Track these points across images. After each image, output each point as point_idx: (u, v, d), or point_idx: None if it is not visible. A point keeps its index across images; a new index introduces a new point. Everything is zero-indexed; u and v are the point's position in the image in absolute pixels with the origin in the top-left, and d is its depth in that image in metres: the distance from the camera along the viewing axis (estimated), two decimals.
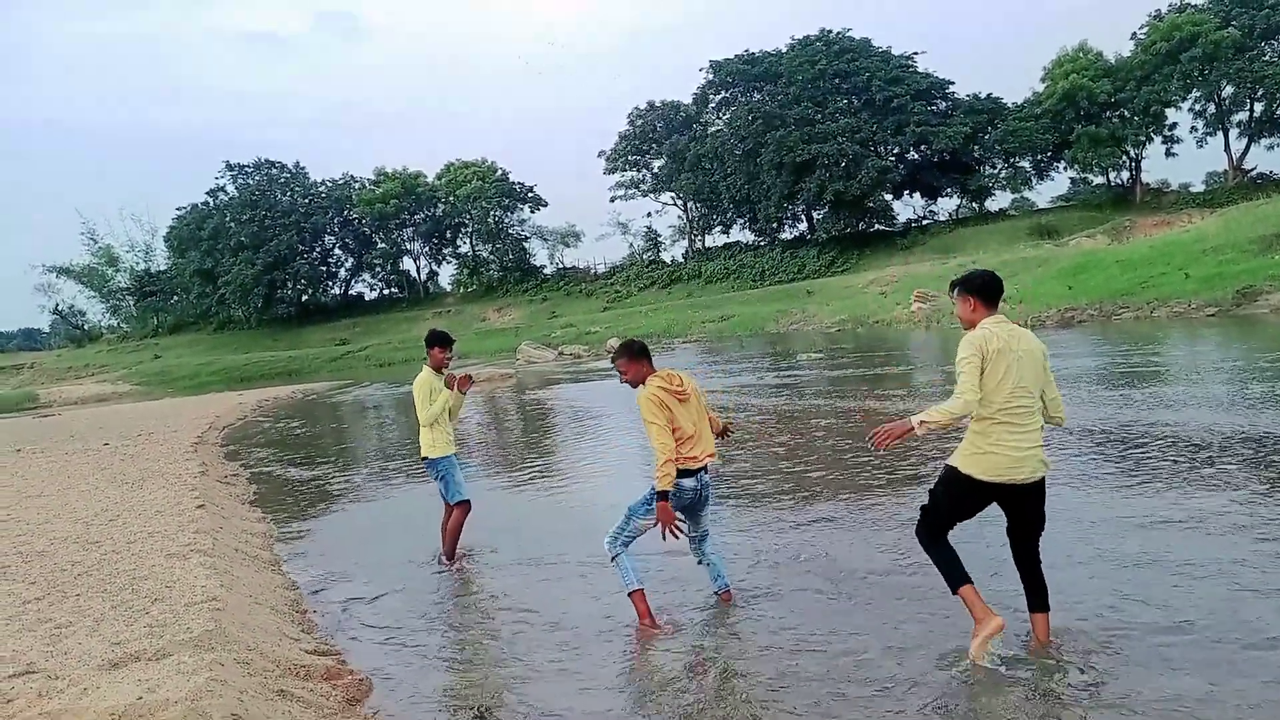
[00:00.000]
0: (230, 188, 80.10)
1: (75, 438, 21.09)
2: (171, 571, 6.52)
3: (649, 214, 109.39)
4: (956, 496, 4.40)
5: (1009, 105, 64.25)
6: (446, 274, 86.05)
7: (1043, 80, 61.99)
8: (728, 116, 71.53)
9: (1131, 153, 60.70)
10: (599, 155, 77.81)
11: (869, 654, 4.58)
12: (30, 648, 4.95)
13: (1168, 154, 60.54)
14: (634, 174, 77.61)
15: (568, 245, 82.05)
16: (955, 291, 4.53)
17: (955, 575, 4.36)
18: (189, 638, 4.82)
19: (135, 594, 5.98)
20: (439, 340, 7.24)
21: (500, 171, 78.50)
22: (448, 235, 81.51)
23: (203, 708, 3.73)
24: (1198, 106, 58.47)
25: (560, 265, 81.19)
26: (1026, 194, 68.14)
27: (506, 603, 6.12)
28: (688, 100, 74.27)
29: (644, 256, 77.36)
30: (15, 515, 9.86)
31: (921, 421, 4.23)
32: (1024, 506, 4.38)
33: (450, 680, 4.92)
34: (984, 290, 4.41)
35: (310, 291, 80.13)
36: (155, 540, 7.73)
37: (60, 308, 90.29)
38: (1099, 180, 63.91)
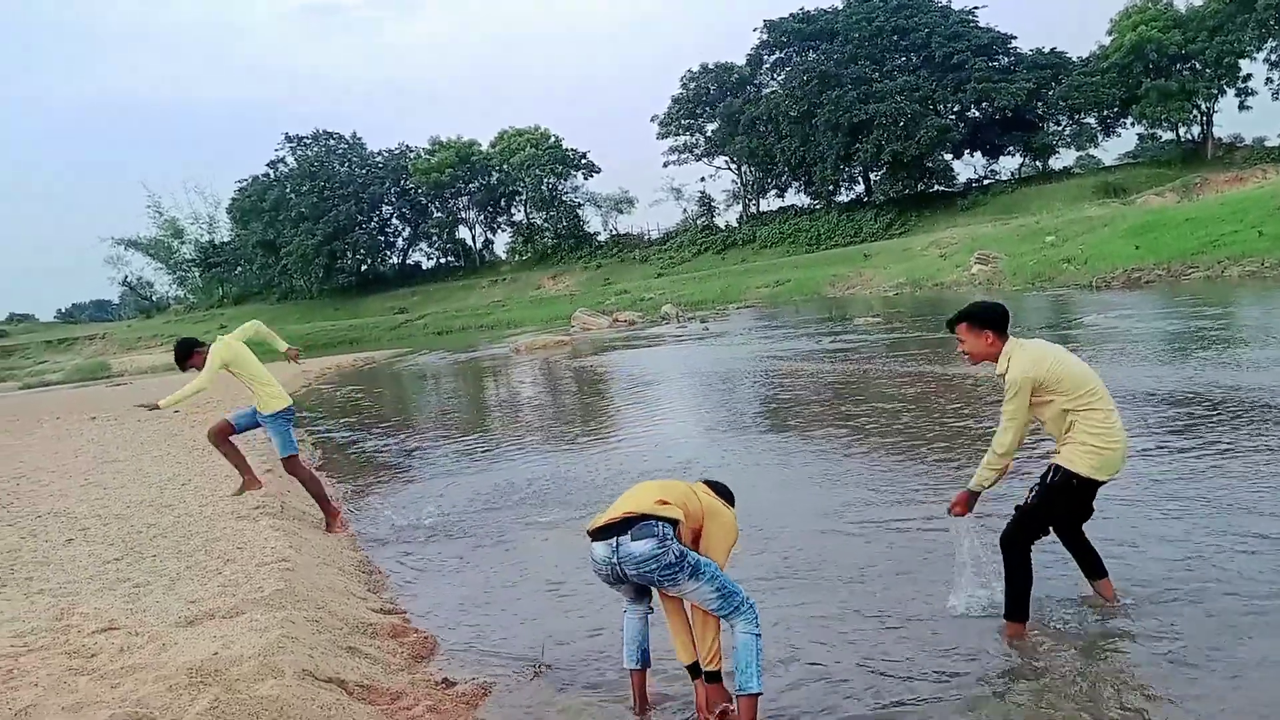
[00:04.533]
0: (290, 159, 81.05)
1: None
2: (242, 533, 6.71)
3: (702, 179, 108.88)
4: (1067, 503, 4.17)
5: (1074, 60, 62.18)
6: (501, 242, 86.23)
7: (1109, 33, 59.92)
8: (782, 77, 70.16)
9: (1203, 106, 58.43)
10: (651, 120, 77.11)
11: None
12: (111, 605, 5.14)
13: (1241, 107, 58.09)
14: (687, 138, 76.55)
15: (621, 212, 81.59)
16: (963, 327, 4.24)
17: (1024, 606, 4.15)
18: (260, 596, 4.97)
19: (208, 555, 6.17)
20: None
21: (553, 139, 78.16)
22: (502, 203, 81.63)
23: (275, 663, 3.85)
24: (1274, 57, 55.96)
25: (614, 232, 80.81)
26: (1092, 151, 66.07)
27: (566, 561, 6.17)
28: (741, 62, 73.13)
29: (697, 222, 76.61)
30: (94, 480, 10.22)
31: (979, 486, 4.28)
32: (1094, 496, 4.25)
33: (511, 637, 5.02)
34: (1003, 320, 4.20)
35: (369, 261, 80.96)
36: (226, 503, 7.96)
37: (129, 279, 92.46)
38: (1168, 136, 61.76)
